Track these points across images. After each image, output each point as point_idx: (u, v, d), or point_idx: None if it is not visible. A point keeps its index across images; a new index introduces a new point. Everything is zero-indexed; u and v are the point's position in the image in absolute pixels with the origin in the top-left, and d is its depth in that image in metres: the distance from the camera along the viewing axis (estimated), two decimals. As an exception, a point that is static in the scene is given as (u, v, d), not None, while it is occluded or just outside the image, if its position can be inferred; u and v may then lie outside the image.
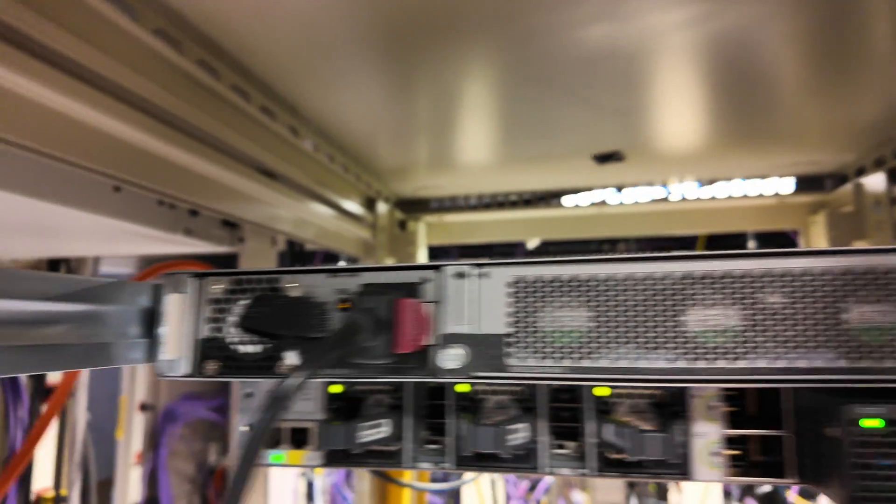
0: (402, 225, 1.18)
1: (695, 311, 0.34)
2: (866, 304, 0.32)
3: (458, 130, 0.82)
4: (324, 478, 1.66)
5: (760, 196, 1.07)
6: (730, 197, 1.08)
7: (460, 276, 0.32)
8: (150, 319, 0.35)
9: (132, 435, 1.34)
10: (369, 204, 0.99)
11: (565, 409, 0.42)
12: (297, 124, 0.71)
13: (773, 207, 1.06)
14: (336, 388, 0.42)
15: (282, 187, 0.69)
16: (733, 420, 0.40)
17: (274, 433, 0.43)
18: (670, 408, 0.40)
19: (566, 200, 1.16)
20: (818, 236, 0.98)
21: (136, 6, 0.47)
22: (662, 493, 1.45)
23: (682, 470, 0.39)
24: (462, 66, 0.60)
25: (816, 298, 0.32)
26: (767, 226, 1.08)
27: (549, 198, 1.16)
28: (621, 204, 1.13)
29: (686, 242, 1.30)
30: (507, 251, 1.35)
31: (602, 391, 0.40)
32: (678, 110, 0.76)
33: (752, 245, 1.28)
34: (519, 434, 0.38)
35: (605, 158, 0.91)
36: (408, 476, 1.01)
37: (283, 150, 0.68)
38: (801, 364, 0.32)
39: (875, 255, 0.32)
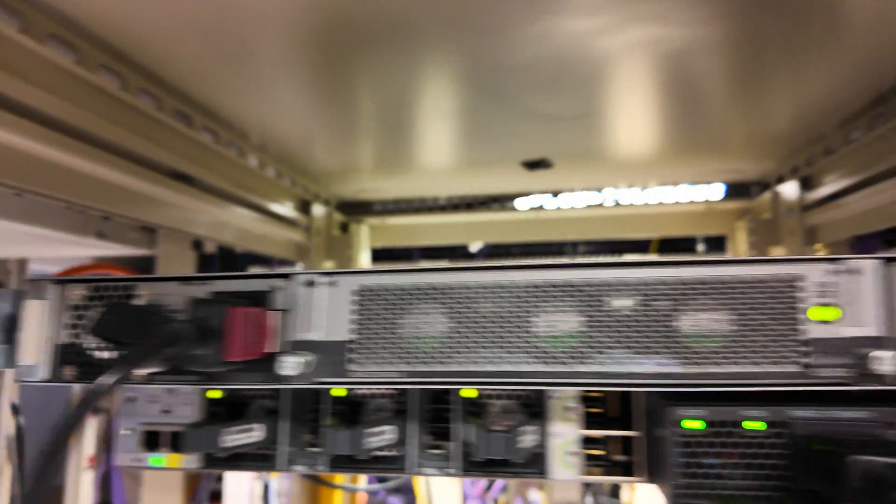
0: (345, 227, 1.19)
1: (541, 317, 0.35)
2: (696, 312, 0.34)
3: (398, 134, 0.83)
4: (280, 480, 1.66)
5: (692, 202, 1.10)
6: (661, 203, 1.11)
7: (310, 284, 0.33)
8: (12, 325, 0.36)
9: (84, 439, 1.32)
10: (304, 207, 1.00)
11: (444, 411, 0.43)
12: (218, 128, 0.71)
13: (703, 213, 1.10)
14: (215, 394, 0.43)
15: (198, 192, 0.69)
16: (598, 421, 0.42)
17: (152, 437, 0.43)
18: (533, 409, 0.41)
19: (508, 205, 1.19)
20: (742, 242, 1.02)
21: (26, 12, 0.47)
22: (615, 492, 1.47)
23: (540, 469, 0.40)
24: (402, 70, 0.61)
25: (651, 307, 0.34)
26: (698, 231, 1.12)
27: (491, 202, 1.18)
28: (559, 209, 1.16)
29: (640, 245, 1.31)
30: (455, 254, 1.36)
31: (469, 392, 0.42)
32: (617, 120, 0.79)
33: (700, 248, 1.30)
34: (385, 436, 0.40)
35: (533, 165, 0.93)
36: (339, 478, 1.02)
37: (200, 154, 0.68)
38: (640, 369, 0.34)
39: (703, 267, 0.34)
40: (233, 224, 0.77)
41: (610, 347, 0.34)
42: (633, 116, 0.78)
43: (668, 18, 0.51)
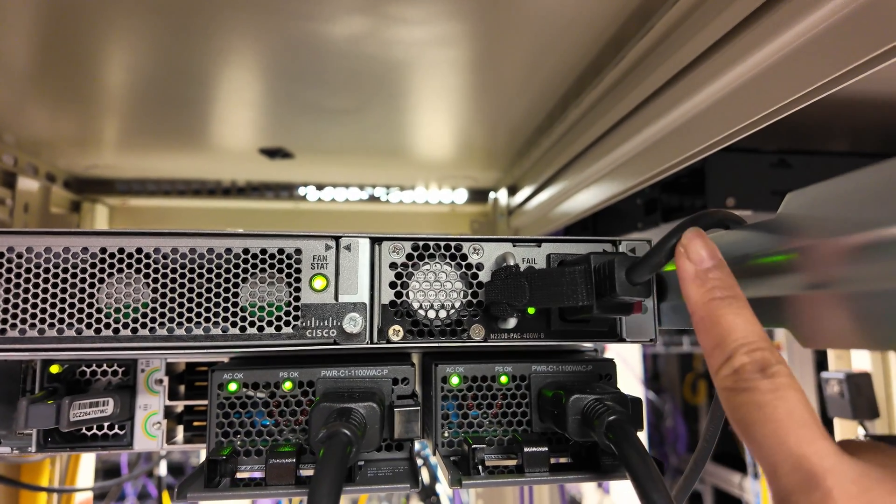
0: (77, 206, 1.08)
1: (108, 287, 0.36)
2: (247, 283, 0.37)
3: (156, 110, 0.77)
4: None
5: (440, 203, 1.20)
6: (414, 202, 1.19)
7: None
8: None
9: None
10: (7, 180, 0.88)
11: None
12: None
13: (448, 214, 1.20)
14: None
15: None
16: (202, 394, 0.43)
17: None
18: (130, 382, 0.42)
19: (269, 194, 1.17)
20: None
21: None
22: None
23: (127, 441, 0.41)
24: (158, 44, 0.56)
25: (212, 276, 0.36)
26: (442, 230, 1.22)
27: (249, 190, 1.16)
28: (320, 200, 1.18)
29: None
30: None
31: (54, 368, 0.40)
32: (384, 123, 0.83)
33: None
34: None
35: (272, 153, 0.93)
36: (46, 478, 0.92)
37: None
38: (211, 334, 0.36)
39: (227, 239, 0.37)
40: None
41: (182, 315, 0.36)
42: (396, 123, 0.83)
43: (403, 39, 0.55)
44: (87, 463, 1.02)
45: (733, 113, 0.40)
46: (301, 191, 1.18)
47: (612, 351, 2.02)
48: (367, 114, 0.80)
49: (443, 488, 1.07)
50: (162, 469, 1.00)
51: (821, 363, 1.84)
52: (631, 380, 1.98)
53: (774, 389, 0.23)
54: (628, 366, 2.00)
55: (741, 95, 0.40)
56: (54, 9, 0.51)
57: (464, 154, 0.99)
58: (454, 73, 0.66)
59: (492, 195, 1.13)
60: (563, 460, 0.35)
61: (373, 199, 1.18)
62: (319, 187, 1.19)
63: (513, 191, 0.99)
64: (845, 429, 1.18)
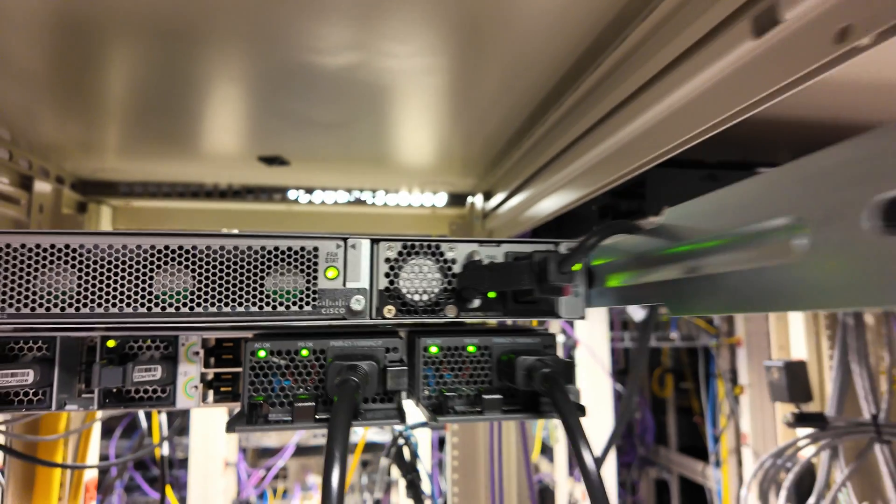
0: (83, 207, 1.16)
1: (159, 276, 0.46)
2: (271, 273, 0.47)
3: (155, 119, 0.86)
4: None
5: (422, 206, 1.30)
6: (398, 205, 1.29)
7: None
8: None
9: None
10: (25, 183, 0.97)
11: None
12: None
13: (429, 217, 1.31)
14: None
15: None
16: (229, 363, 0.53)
17: None
18: (172, 354, 0.51)
19: (263, 196, 1.27)
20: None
21: None
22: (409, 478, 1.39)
23: (171, 400, 0.51)
24: (162, 62, 0.64)
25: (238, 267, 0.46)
26: (425, 231, 1.33)
27: (245, 192, 1.25)
28: (310, 203, 1.27)
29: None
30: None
31: (110, 343, 0.50)
32: (374, 134, 0.93)
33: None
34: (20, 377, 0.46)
35: (270, 161, 1.03)
36: (59, 458, 1.00)
37: None
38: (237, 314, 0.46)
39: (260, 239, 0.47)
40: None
41: (215, 299, 0.46)
42: (382, 134, 0.94)
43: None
44: (94, 445, 1.10)
45: (664, 136, 0.52)
46: (292, 194, 1.28)
47: (583, 346, 2.15)
48: (356, 127, 0.90)
49: (422, 466, 1.18)
50: (165, 449, 1.09)
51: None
52: (600, 373, 2.11)
53: None
54: (597, 359, 2.12)
55: (669, 123, 0.51)
56: (66, 30, 0.58)
57: (444, 162, 1.10)
58: (435, 94, 0.77)
59: (469, 199, 1.24)
60: (513, 407, 0.46)
61: (359, 202, 1.28)
62: (309, 191, 1.28)
63: (487, 196, 1.10)
64: (784, 411, 1.32)
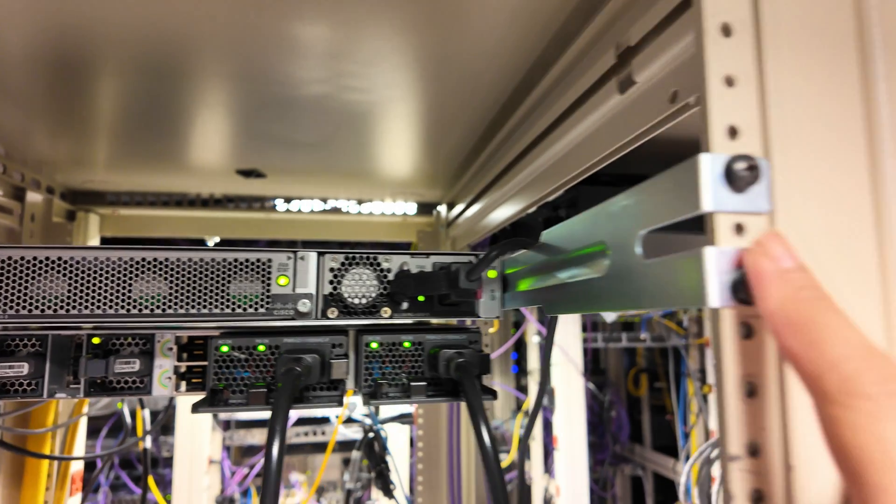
0: (72, 216, 1.23)
1: (137, 283, 0.54)
2: (231, 280, 0.55)
3: (142, 136, 0.94)
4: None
5: (394, 214, 1.39)
6: (371, 213, 1.38)
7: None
8: None
9: None
10: (17, 194, 1.04)
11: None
12: None
13: (400, 224, 1.39)
14: None
15: None
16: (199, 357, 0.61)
17: None
18: (149, 349, 0.59)
19: (243, 205, 1.35)
20: (417, 248, 1.33)
21: None
22: (378, 471, 1.52)
23: (148, 390, 0.59)
24: (148, 85, 0.71)
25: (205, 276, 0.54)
26: (395, 237, 1.41)
27: (225, 202, 1.33)
28: (288, 211, 1.35)
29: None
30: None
31: (95, 339, 0.58)
32: (348, 151, 1.01)
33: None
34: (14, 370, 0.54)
35: (247, 174, 1.11)
36: (48, 447, 1.08)
37: None
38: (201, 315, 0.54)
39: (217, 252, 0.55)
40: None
41: (185, 302, 0.54)
42: (356, 152, 1.02)
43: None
44: (81, 438, 1.17)
45: (573, 162, 0.60)
46: (271, 203, 1.36)
47: (557, 348, 2.24)
48: (331, 145, 0.99)
49: (391, 460, 1.26)
50: (147, 442, 1.16)
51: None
52: (573, 372, 2.20)
53: None
54: (570, 359, 2.21)
55: (574, 153, 0.60)
56: (60, 64, 0.64)
57: (414, 175, 1.18)
58: (401, 117, 0.85)
59: (437, 209, 1.33)
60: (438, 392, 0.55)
61: (335, 210, 1.37)
62: (287, 200, 1.37)
63: (451, 206, 1.18)
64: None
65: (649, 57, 0.40)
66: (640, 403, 3.07)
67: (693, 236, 0.26)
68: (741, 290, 0.25)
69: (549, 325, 0.51)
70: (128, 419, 1.25)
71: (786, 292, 0.23)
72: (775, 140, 0.26)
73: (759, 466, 0.29)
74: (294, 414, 2.43)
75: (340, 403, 0.52)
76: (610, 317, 2.45)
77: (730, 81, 0.26)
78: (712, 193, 0.25)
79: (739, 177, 0.25)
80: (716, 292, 0.25)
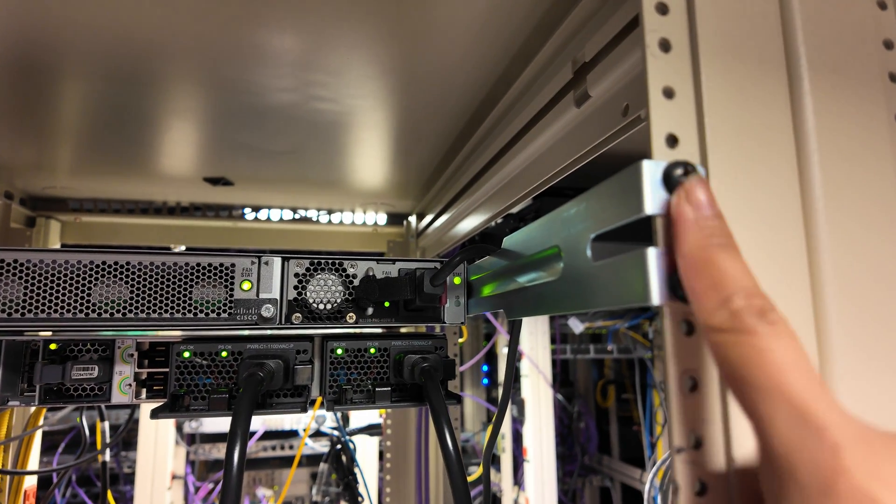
0: (32, 222, 1.20)
1: (98, 287, 0.53)
2: (195, 285, 0.55)
3: (88, 143, 0.92)
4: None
5: (364, 224, 1.39)
6: (342, 223, 1.38)
7: None
8: None
9: None
10: (-27, 198, 1.01)
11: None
12: None
13: (370, 234, 1.40)
14: None
15: None
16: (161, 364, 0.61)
17: None
18: (108, 355, 0.58)
19: (210, 213, 1.33)
20: (390, 256, 1.34)
21: None
22: (346, 483, 1.51)
23: (106, 397, 0.58)
24: (110, 92, 0.70)
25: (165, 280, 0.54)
26: (366, 247, 1.41)
27: (192, 210, 1.31)
28: (256, 219, 1.34)
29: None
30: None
31: (52, 345, 0.57)
32: (318, 160, 1.01)
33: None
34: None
35: (215, 181, 1.10)
36: (-1, 466, 1.03)
37: None
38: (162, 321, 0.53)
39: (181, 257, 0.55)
40: None
41: (147, 307, 0.53)
42: (326, 161, 1.02)
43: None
44: (35, 452, 1.13)
45: (532, 176, 0.62)
46: (239, 211, 1.35)
47: (527, 358, 2.26)
48: (301, 155, 0.99)
49: (360, 472, 1.25)
50: (106, 455, 1.13)
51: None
52: (542, 383, 2.22)
53: (776, 335, 0.22)
54: (539, 370, 2.24)
55: (533, 167, 0.61)
56: (21, 69, 0.63)
57: (384, 185, 1.19)
58: (371, 127, 0.86)
59: (408, 219, 1.34)
60: (403, 397, 0.55)
61: (304, 219, 1.36)
62: (255, 209, 1.36)
63: (421, 216, 1.20)
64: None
65: (603, 72, 0.42)
66: (608, 414, 3.10)
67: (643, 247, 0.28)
68: (680, 288, 0.26)
69: (512, 328, 0.52)
70: (86, 431, 1.21)
71: (698, 238, 0.25)
72: (711, 148, 0.28)
73: (702, 458, 0.30)
74: (260, 426, 2.38)
75: (305, 409, 0.52)
76: (578, 328, 2.49)
77: (668, 93, 0.28)
78: (652, 197, 0.26)
79: (677, 182, 0.26)
80: (657, 290, 0.26)
